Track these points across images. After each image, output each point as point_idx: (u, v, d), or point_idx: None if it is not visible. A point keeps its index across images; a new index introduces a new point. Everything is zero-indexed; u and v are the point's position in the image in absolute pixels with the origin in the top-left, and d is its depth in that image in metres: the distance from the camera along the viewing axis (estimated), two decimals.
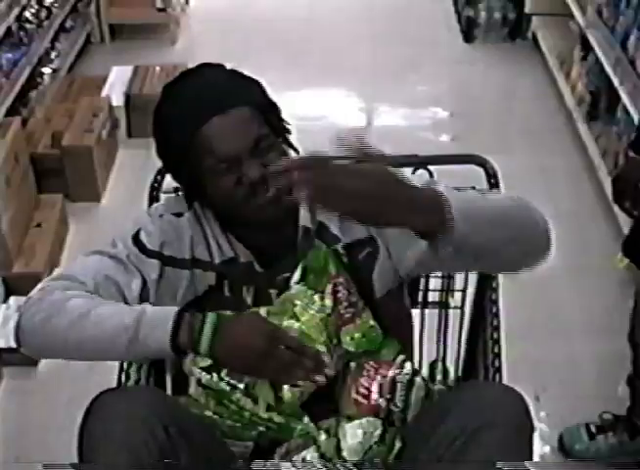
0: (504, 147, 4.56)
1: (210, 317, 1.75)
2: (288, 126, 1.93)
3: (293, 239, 1.93)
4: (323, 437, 1.87)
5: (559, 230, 4.30)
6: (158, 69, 5.18)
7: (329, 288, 1.91)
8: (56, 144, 4.32)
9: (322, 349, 1.86)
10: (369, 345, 1.94)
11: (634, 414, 2.81)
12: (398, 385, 1.91)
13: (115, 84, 5.02)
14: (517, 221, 1.68)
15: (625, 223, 3.61)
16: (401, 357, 1.98)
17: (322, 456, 1.84)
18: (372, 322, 1.95)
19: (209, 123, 1.79)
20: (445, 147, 4.73)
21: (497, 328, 2.13)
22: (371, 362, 1.94)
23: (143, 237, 1.91)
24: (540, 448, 2.90)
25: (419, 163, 2.22)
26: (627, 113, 3.92)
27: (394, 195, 1.51)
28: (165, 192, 2.22)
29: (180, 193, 2.03)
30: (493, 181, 2.21)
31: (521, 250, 1.69)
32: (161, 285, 1.91)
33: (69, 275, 1.87)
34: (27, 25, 4.85)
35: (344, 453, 1.83)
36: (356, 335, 1.93)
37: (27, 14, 4.91)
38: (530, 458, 1.73)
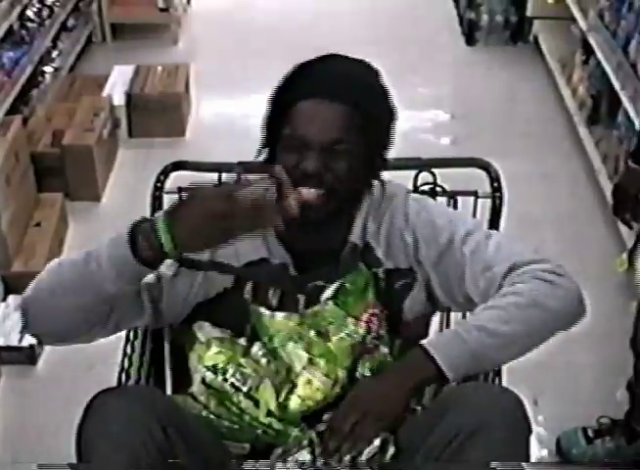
0: (504, 150, 4.56)
1: (158, 216, 1.65)
2: (385, 156, 1.93)
3: (337, 252, 1.93)
4: (318, 440, 1.86)
5: (558, 234, 4.32)
6: (159, 68, 5.18)
7: (364, 316, 1.91)
8: (56, 143, 4.32)
9: (342, 373, 1.88)
10: None
11: (633, 419, 2.81)
12: None
13: (117, 84, 5.02)
14: (531, 338, 1.86)
15: (626, 229, 3.61)
16: None
17: (315, 459, 1.83)
18: (389, 358, 1.94)
19: (309, 101, 1.81)
20: (445, 150, 4.73)
21: None
22: None
23: None
24: (538, 452, 2.90)
25: (422, 165, 2.23)
26: (628, 117, 3.93)
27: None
28: (168, 192, 2.22)
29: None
30: (496, 185, 2.22)
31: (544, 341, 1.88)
32: (176, 285, 1.90)
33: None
34: (29, 24, 4.85)
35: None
36: (372, 365, 1.92)
37: (29, 12, 4.91)
38: (527, 460, 1.73)
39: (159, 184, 2.21)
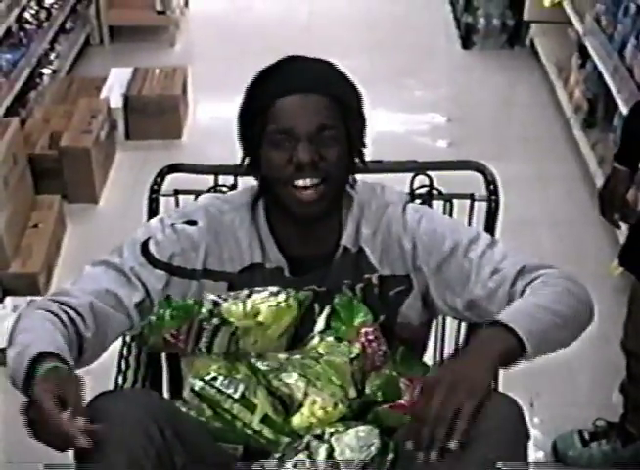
0: (501, 153, 4.57)
1: (44, 367, 1.65)
2: (364, 139, 1.93)
3: (330, 255, 1.94)
4: (315, 442, 1.84)
5: (555, 237, 4.32)
6: (156, 70, 5.19)
7: (359, 337, 1.91)
8: (54, 145, 4.33)
9: (345, 392, 1.87)
10: (391, 395, 1.92)
11: (628, 421, 2.82)
12: None
13: (114, 86, 5.03)
14: (576, 324, 1.84)
15: (621, 231, 3.62)
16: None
17: (313, 461, 1.82)
18: (395, 373, 1.93)
19: (288, 97, 1.81)
20: (442, 153, 4.74)
21: None
22: (403, 379, 1.95)
23: (152, 247, 1.90)
24: (534, 455, 2.90)
25: (418, 168, 2.23)
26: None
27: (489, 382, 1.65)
28: (165, 195, 2.22)
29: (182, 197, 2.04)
30: (492, 188, 2.22)
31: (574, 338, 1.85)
32: (168, 294, 1.90)
33: (68, 291, 1.86)
34: (27, 26, 4.86)
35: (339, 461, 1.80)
36: (380, 381, 1.92)
37: (27, 15, 4.92)
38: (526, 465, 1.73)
39: (155, 187, 2.22)
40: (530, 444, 2.72)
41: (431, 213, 2.02)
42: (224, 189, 2.17)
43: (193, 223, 1.92)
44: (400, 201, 1.99)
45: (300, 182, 1.81)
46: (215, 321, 1.86)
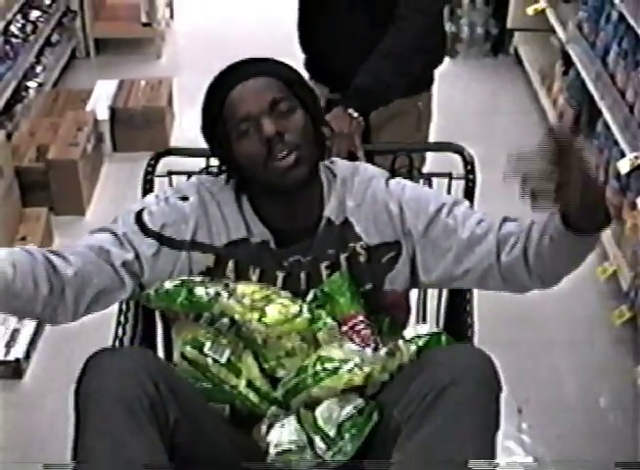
0: (485, 161, 4.57)
1: None
2: (318, 105, 2.03)
3: (314, 227, 2.01)
4: (302, 410, 1.91)
5: None
6: (142, 83, 5.20)
7: (348, 327, 1.94)
8: (41, 158, 4.33)
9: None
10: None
11: None
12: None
13: (100, 98, 5.04)
14: None
15: (607, 236, 3.64)
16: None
17: (302, 427, 1.88)
18: (382, 355, 1.92)
19: (234, 90, 1.92)
20: (427, 160, 4.75)
21: (470, 290, 2.23)
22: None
23: (145, 216, 2.00)
24: (523, 459, 2.92)
25: (399, 149, 2.37)
26: (608, 127, 3.96)
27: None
28: (159, 175, 2.31)
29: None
30: (470, 168, 2.35)
31: None
32: (158, 263, 1.98)
33: (66, 248, 1.98)
34: (13, 40, 4.86)
35: (320, 423, 1.86)
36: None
37: (13, 28, 4.93)
38: (497, 415, 1.81)
39: (149, 169, 2.33)
40: (520, 449, 2.75)
41: (412, 184, 2.12)
42: (214, 170, 2.24)
43: (185, 199, 2.02)
44: (382, 176, 2.09)
45: (276, 156, 1.89)
46: (225, 321, 1.95)
